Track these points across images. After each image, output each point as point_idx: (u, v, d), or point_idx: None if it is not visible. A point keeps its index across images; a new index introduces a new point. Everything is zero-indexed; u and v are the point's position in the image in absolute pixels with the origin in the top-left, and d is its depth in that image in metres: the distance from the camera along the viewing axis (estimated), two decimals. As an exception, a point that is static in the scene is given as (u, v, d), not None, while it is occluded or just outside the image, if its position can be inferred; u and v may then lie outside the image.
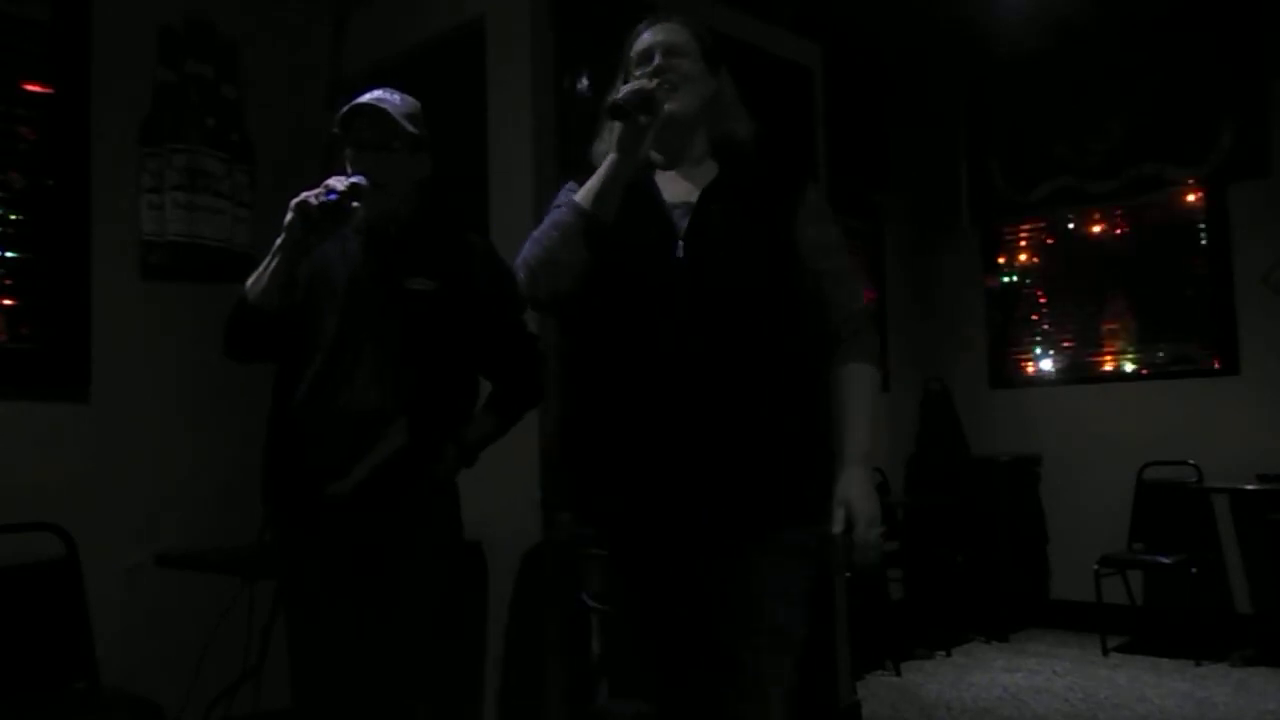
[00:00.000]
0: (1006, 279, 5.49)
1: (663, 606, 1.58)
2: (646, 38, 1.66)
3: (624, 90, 1.53)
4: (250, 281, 1.87)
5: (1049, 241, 5.38)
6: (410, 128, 1.91)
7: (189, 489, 2.93)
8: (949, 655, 4.46)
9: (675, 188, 1.64)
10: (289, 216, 1.77)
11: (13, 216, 2.76)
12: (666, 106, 1.54)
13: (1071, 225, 5.28)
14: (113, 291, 2.86)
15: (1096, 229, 5.19)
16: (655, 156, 1.67)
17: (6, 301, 2.76)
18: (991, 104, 5.42)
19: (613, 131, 1.54)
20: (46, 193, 2.79)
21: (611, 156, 1.53)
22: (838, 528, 1.49)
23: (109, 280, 2.85)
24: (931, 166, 5.63)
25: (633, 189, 1.57)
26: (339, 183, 1.77)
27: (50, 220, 2.79)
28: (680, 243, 1.56)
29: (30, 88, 2.80)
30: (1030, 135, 5.24)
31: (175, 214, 2.90)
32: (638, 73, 1.62)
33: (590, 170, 1.58)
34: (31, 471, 2.65)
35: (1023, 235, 5.46)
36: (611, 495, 1.56)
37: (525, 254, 1.55)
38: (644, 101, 1.51)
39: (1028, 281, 5.44)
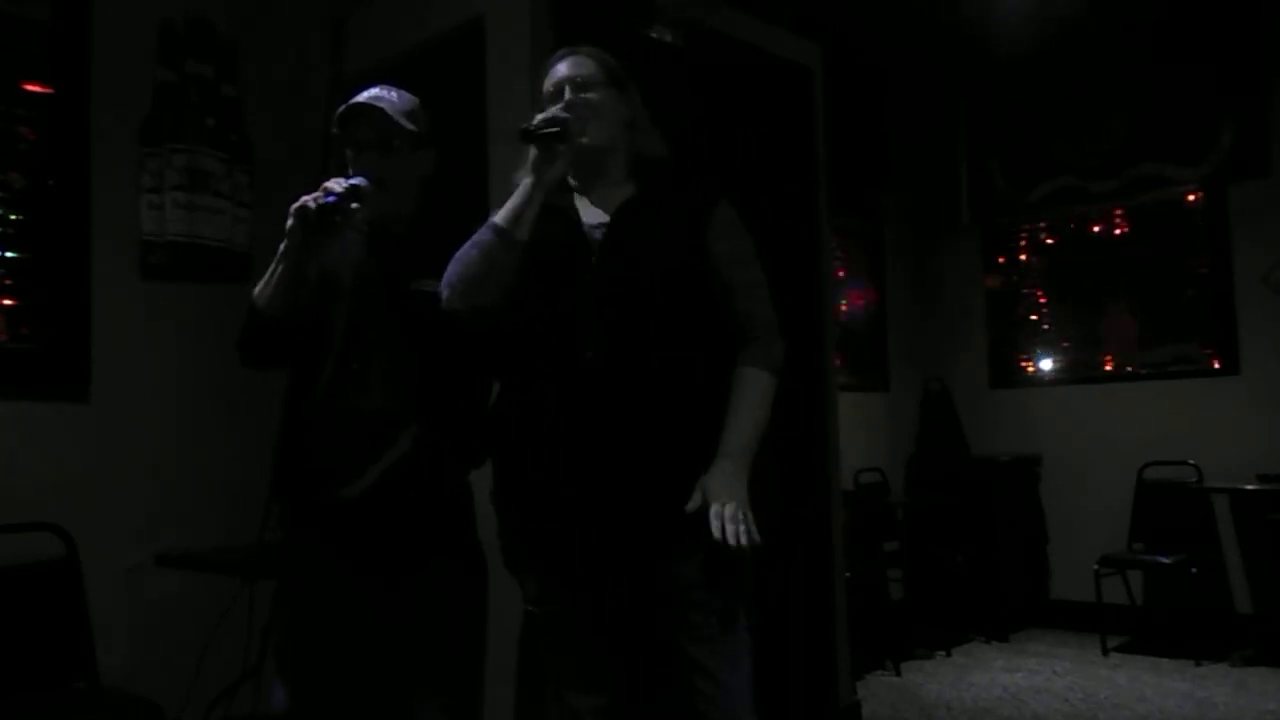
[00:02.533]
0: (1006, 279, 5.50)
1: (601, 608, 1.66)
2: (558, 71, 1.75)
3: (537, 118, 1.62)
4: (257, 289, 1.86)
5: (1049, 241, 5.39)
6: (409, 125, 1.89)
7: (189, 489, 2.93)
8: (949, 655, 4.46)
9: (593, 210, 1.72)
10: (289, 222, 1.77)
11: (13, 216, 2.76)
12: (581, 139, 1.64)
13: (1071, 225, 5.28)
14: (113, 291, 2.85)
15: (1096, 229, 5.19)
16: (571, 181, 1.76)
17: (6, 301, 2.76)
18: (991, 104, 5.43)
19: (527, 157, 1.63)
20: (46, 193, 2.79)
21: (526, 180, 1.62)
22: (691, 506, 1.53)
23: (109, 280, 2.85)
24: (931, 166, 5.63)
25: (554, 211, 1.66)
26: (337, 184, 1.76)
27: (50, 220, 2.79)
28: (594, 258, 1.65)
29: (30, 88, 2.80)
30: (1030, 135, 5.24)
31: (175, 214, 2.90)
32: (549, 107, 1.70)
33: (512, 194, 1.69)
34: (31, 471, 2.65)
35: (1023, 235, 5.47)
36: (543, 507, 1.62)
37: (448, 273, 1.64)
38: (559, 130, 1.60)
39: (1028, 281, 5.44)
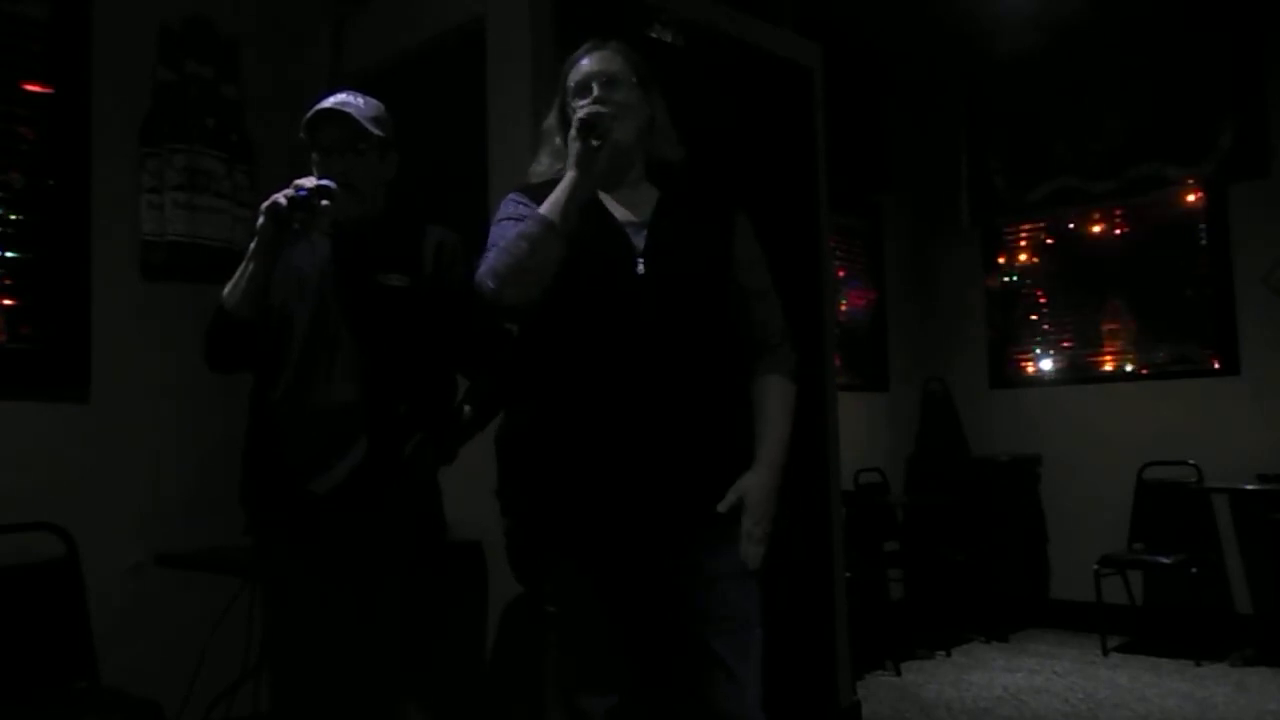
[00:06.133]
0: (1006, 279, 5.50)
1: (626, 602, 1.66)
2: (584, 66, 1.73)
3: (583, 111, 1.61)
4: (226, 291, 1.89)
5: (1049, 241, 5.38)
6: (376, 130, 1.93)
7: (189, 489, 2.93)
8: (949, 655, 4.46)
9: (618, 209, 1.72)
10: (260, 221, 1.80)
11: (13, 216, 2.76)
12: (613, 136, 1.63)
13: (1071, 225, 5.28)
14: (113, 291, 2.86)
15: (1096, 229, 5.19)
16: None
17: (6, 301, 2.76)
18: (991, 104, 5.42)
19: (571, 151, 1.62)
20: (46, 193, 2.79)
21: (571, 174, 1.61)
22: (723, 508, 1.62)
23: (109, 280, 2.85)
24: (931, 166, 5.63)
25: (585, 209, 1.64)
26: (307, 181, 1.80)
27: (50, 220, 2.79)
28: (640, 260, 1.65)
29: (30, 88, 2.80)
30: (1030, 135, 5.24)
31: (175, 214, 2.90)
32: (579, 103, 1.69)
33: (529, 188, 1.71)
34: (31, 471, 2.65)
35: (1023, 235, 5.46)
36: (576, 498, 1.63)
37: (493, 263, 1.61)
38: (600, 122, 1.60)
39: (1028, 281, 5.44)
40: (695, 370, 1.63)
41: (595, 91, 1.68)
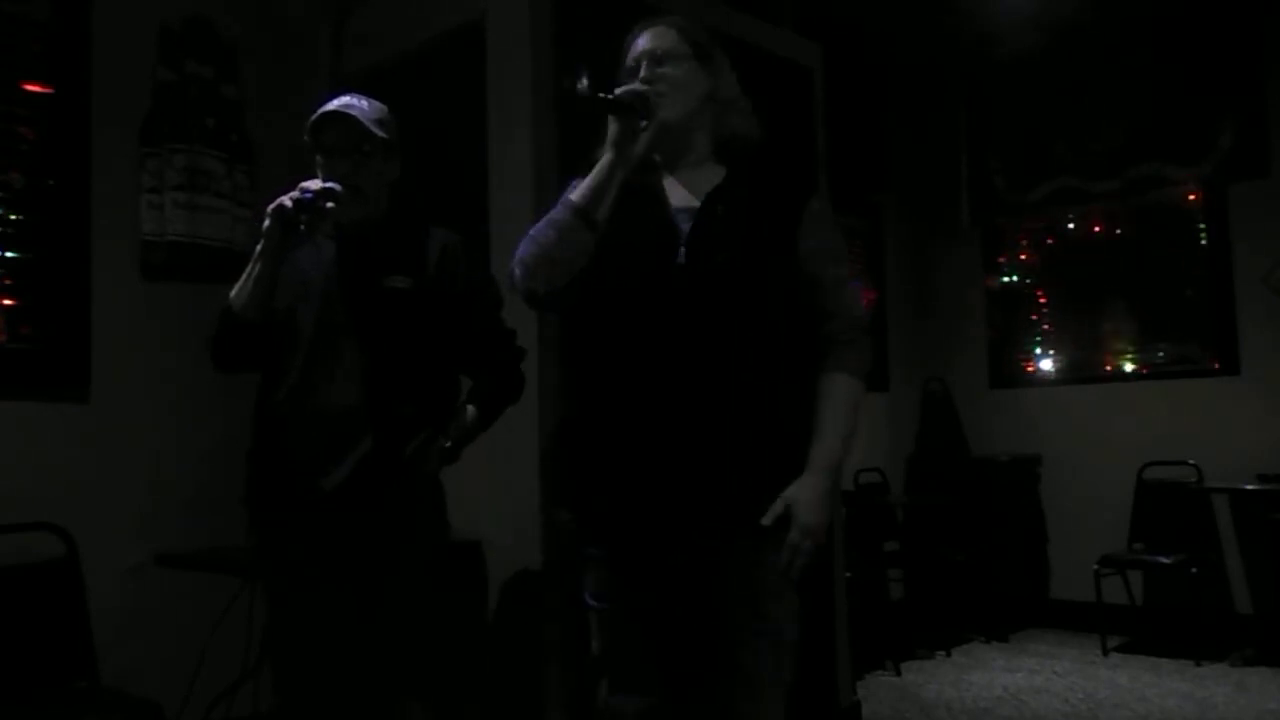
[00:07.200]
0: (1006, 279, 5.50)
1: (662, 603, 1.62)
2: (638, 46, 1.68)
3: (619, 90, 1.56)
4: (234, 293, 1.89)
5: (1049, 241, 5.39)
6: (380, 132, 1.93)
7: (189, 489, 2.93)
8: (949, 655, 4.46)
9: (679, 191, 1.65)
10: (266, 223, 1.81)
11: (13, 216, 2.76)
12: (658, 115, 1.57)
13: (1071, 225, 5.28)
14: (113, 291, 2.86)
15: (1096, 229, 5.19)
16: (656, 158, 1.69)
17: (6, 301, 2.76)
18: (991, 104, 5.42)
19: (608, 130, 1.56)
20: (46, 193, 2.79)
21: (606, 156, 1.55)
22: (767, 520, 1.53)
23: (109, 280, 2.85)
24: (931, 166, 5.63)
25: (641, 192, 1.60)
26: (313, 184, 1.81)
27: (50, 220, 2.79)
28: (682, 248, 1.58)
29: (30, 88, 2.80)
30: (1030, 135, 5.24)
31: (175, 214, 2.90)
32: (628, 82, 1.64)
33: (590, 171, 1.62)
34: (31, 471, 2.65)
35: (1023, 235, 5.46)
36: (612, 494, 1.59)
37: (521, 252, 1.57)
38: (638, 102, 1.54)
39: (1028, 281, 5.44)
40: (735, 366, 1.56)
41: (644, 70, 1.62)
